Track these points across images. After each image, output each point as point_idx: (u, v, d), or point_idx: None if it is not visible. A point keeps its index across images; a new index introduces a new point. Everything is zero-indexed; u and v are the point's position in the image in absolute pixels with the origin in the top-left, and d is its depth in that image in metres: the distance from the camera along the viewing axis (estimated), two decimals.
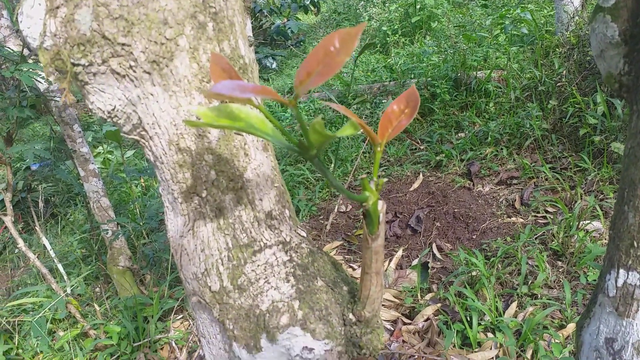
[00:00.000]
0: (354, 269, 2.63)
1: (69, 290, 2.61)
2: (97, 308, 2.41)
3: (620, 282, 0.57)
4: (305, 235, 0.62)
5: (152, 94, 0.50)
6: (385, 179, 0.50)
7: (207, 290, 0.54)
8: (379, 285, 0.52)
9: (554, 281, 2.23)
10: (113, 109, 0.51)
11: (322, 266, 0.58)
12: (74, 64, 0.48)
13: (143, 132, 0.52)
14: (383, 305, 2.31)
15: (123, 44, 0.47)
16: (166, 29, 0.48)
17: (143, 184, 3.96)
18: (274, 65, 6.12)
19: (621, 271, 0.57)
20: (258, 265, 0.55)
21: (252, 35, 3.01)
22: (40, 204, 3.55)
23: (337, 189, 0.47)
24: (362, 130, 0.50)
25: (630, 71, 0.62)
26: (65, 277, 2.70)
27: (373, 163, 0.54)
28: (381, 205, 0.54)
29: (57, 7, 0.47)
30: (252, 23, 6.50)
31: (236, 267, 0.54)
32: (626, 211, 0.58)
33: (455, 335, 1.98)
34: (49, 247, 2.60)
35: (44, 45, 0.48)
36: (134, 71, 0.49)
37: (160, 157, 0.53)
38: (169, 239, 0.58)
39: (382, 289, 0.53)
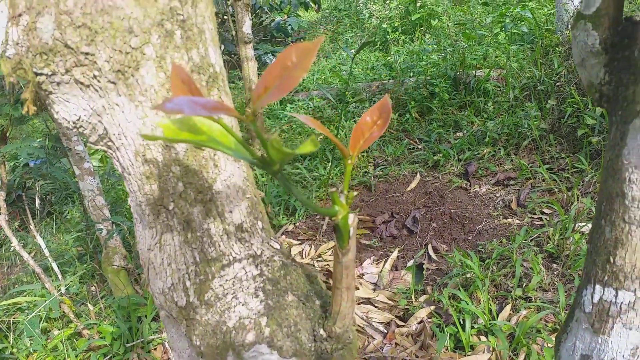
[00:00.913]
0: None
1: (63, 290, 2.61)
2: (91, 308, 2.41)
3: (596, 298, 0.56)
4: (278, 247, 0.60)
5: (117, 104, 0.49)
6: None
7: (174, 305, 0.53)
8: (350, 300, 0.51)
9: (549, 284, 2.22)
10: (78, 120, 0.50)
11: (295, 279, 0.57)
12: (36, 74, 0.47)
13: (110, 143, 0.51)
14: (377, 307, 2.30)
15: (86, 53, 0.46)
16: (131, 37, 0.47)
17: None
18: None
19: (597, 287, 0.56)
20: (226, 280, 0.54)
21: (251, 32, 2.97)
22: (37, 202, 3.55)
23: (303, 204, 0.46)
24: (332, 144, 0.49)
25: (611, 81, 0.61)
26: (59, 276, 2.70)
27: (344, 176, 0.53)
28: (352, 219, 0.53)
29: (19, 15, 0.46)
30: (252, 20, 6.42)
31: (203, 282, 0.53)
32: (603, 225, 0.57)
33: (448, 338, 1.97)
34: (43, 246, 2.60)
35: (6, 54, 0.47)
36: (99, 81, 0.48)
37: (128, 168, 0.52)
38: (139, 252, 0.57)
39: (353, 304, 0.52)
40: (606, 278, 0.55)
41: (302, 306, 0.53)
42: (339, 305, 0.51)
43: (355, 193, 0.50)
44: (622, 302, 0.54)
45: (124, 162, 0.52)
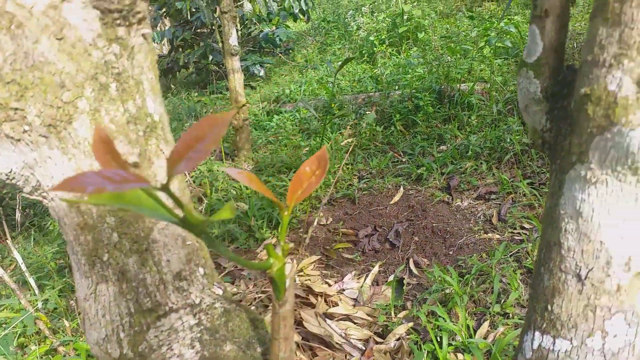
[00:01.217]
0: (329, 285, 2.62)
1: (39, 305, 2.58)
2: (67, 324, 2.38)
3: (535, 345, 0.56)
4: (221, 292, 0.60)
5: (50, 157, 0.49)
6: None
7: (108, 357, 0.53)
8: (287, 351, 0.51)
9: (527, 300, 2.23)
10: (10, 172, 0.50)
11: (238, 325, 0.57)
12: None
13: (44, 194, 0.51)
14: (356, 323, 2.30)
15: (16, 109, 0.46)
16: (64, 92, 0.47)
17: None
18: (262, 73, 6.11)
19: (537, 333, 0.57)
20: (162, 331, 0.53)
21: (237, 44, 2.99)
22: (17, 214, 3.50)
23: (232, 260, 0.46)
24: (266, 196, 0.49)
25: (552, 128, 0.62)
26: (36, 291, 2.66)
27: (281, 228, 0.53)
28: (289, 269, 0.53)
29: None
30: (240, 30, 6.41)
31: (138, 333, 0.53)
32: (542, 273, 0.58)
33: (425, 356, 1.97)
34: (20, 260, 2.57)
35: None
36: (29, 135, 0.47)
37: (63, 219, 0.51)
38: (77, 300, 0.57)
39: (291, 355, 0.52)
40: (544, 325, 0.56)
41: (241, 355, 0.53)
42: (277, 357, 0.51)
43: (290, 245, 0.50)
44: (559, 350, 0.55)
45: (59, 212, 0.52)
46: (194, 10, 5.72)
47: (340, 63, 2.67)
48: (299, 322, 2.21)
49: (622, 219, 0.52)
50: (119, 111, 0.50)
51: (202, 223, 0.38)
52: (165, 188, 0.39)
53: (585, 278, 0.54)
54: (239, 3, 4.89)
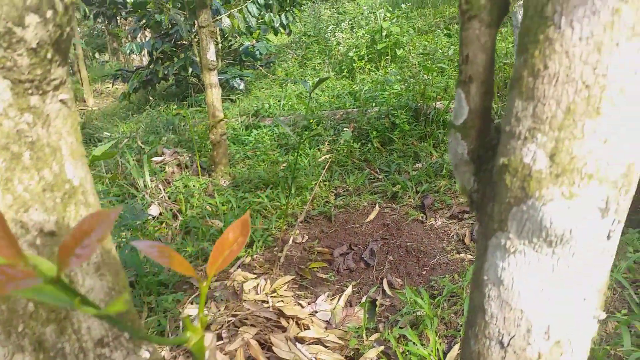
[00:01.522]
0: (302, 307, 2.60)
1: None
2: None
3: None
4: (149, 355, 0.59)
5: None
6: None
7: None
8: None
9: None
10: None
11: None
12: None
13: None
14: (327, 347, 2.28)
15: None
16: None
17: None
18: (242, 87, 6.10)
19: None
20: None
21: (215, 59, 2.96)
22: None
23: (145, 339, 0.45)
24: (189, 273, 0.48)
25: (479, 190, 0.62)
26: None
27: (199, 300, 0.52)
28: (209, 340, 0.52)
29: None
30: (220, 43, 6.35)
31: None
32: (469, 336, 0.58)
33: None
34: None
35: None
36: None
37: None
38: None
39: None
40: None
41: None
42: None
43: (209, 317, 0.49)
44: None
45: None
46: (174, 22, 5.71)
47: (317, 80, 2.68)
48: (268, 347, 2.18)
49: (540, 288, 0.53)
50: (34, 179, 0.49)
51: (97, 314, 0.37)
52: (56, 281, 0.38)
53: (508, 345, 0.55)
54: (217, 18, 4.89)
